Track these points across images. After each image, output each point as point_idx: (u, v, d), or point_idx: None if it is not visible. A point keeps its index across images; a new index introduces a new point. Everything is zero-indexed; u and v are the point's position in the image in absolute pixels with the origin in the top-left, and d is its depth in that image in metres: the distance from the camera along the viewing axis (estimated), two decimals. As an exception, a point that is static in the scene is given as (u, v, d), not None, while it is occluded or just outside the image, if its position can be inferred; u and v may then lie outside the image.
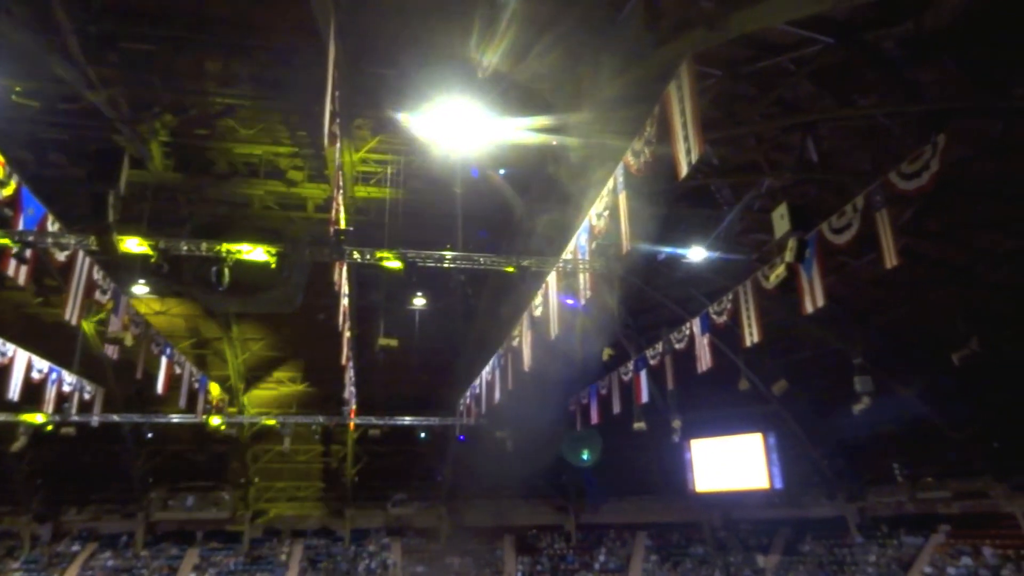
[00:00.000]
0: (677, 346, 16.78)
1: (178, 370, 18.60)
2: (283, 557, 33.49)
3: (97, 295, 13.12)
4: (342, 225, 12.22)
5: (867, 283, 18.89)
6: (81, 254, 12.13)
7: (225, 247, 13.21)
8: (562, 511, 36.46)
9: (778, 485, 28.68)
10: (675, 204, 16.90)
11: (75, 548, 32.24)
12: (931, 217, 14.98)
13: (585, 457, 29.13)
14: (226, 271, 13.54)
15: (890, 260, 10.04)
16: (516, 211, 17.62)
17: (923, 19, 9.94)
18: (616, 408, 20.83)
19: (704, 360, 15.63)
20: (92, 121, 14.83)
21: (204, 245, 13.15)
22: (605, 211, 10.52)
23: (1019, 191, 13.96)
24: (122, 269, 16.57)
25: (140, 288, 21.05)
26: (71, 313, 12.18)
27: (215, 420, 25.21)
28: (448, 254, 14.83)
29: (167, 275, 16.48)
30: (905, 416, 23.46)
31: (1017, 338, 17.96)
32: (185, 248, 12.91)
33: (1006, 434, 22.78)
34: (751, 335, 13.48)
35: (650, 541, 34.67)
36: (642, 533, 34.85)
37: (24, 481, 31.10)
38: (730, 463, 29.93)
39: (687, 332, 16.31)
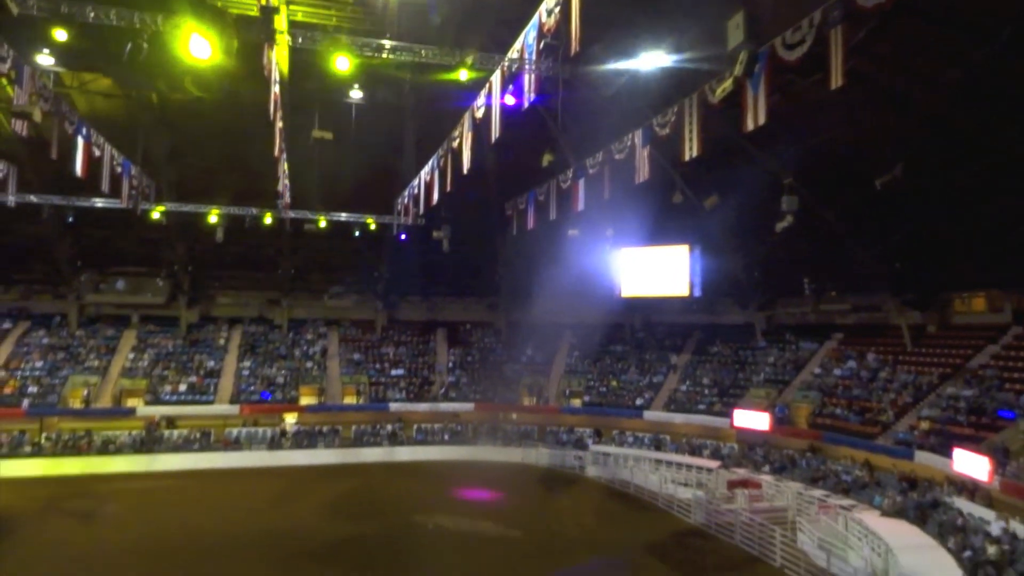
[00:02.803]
0: (617, 156, 16.78)
1: (97, 152, 17.54)
2: (222, 341, 34.62)
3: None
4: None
5: (807, 104, 18.94)
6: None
7: (139, 17, 12.05)
8: (493, 309, 38.42)
9: (697, 294, 30.63)
10: (629, 6, 16.05)
11: (6, 325, 32.39)
12: (881, 39, 14.77)
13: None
14: (143, 46, 12.44)
15: (836, 80, 10.03)
16: None
17: None
18: (553, 214, 21.19)
19: (642, 172, 15.76)
20: None
21: (114, 13, 11.95)
22: (556, 7, 9.89)
23: (971, 20, 13.80)
24: (24, 35, 14.96)
25: (45, 59, 19.26)
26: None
27: (150, 209, 24.66)
28: (387, 43, 13.95)
29: (77, 47, 15.07)
30: (821, 235, 24.82)
31: (937, 168, 18.74)
32: (92, 15, 11.70)
33: (908, 256, 24.65)
34: (691, 149, 13.55)
35: (575, 339, 37.32)
36: (568, 331, 37.38)
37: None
38: (655, 271, 31.52)
39: (628, 143, 16.26)
